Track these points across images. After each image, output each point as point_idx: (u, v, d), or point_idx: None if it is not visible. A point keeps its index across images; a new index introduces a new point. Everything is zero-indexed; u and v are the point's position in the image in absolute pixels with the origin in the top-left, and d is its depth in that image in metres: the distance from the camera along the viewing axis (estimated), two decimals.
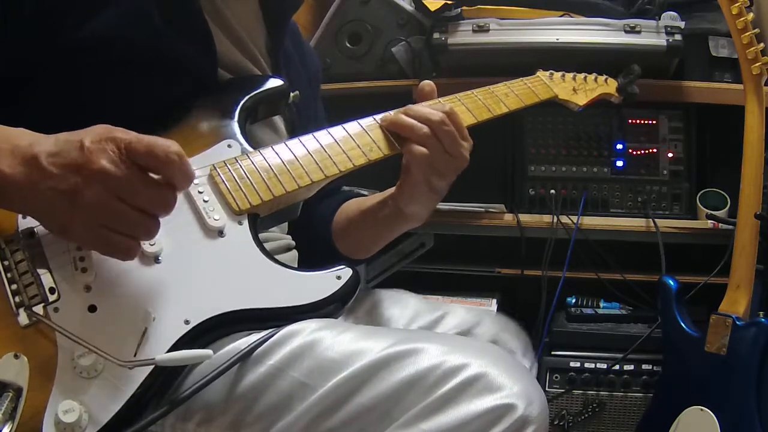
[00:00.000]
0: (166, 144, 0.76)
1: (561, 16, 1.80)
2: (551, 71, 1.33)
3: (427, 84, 1.09)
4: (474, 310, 1.21)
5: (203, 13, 1.01)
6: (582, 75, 1.38)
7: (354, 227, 1.19)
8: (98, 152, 0.74)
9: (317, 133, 1.01)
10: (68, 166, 0.74)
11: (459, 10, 1.77)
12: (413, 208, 1.09)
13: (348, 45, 1.94)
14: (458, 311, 1.19)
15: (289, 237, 1.16)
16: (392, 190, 1.12)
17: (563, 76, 1.34)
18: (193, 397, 0.82)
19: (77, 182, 0.74)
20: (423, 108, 1.04)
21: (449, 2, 1.79)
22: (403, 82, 1.88)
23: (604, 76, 1.43)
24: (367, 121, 1.05)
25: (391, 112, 1.06)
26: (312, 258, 1.15)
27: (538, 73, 1.32)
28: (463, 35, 1.73)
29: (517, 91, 1.22)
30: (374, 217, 1.15)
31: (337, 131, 1.03)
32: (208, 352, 0.80)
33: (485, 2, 1.84)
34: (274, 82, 1.07)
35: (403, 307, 1.18)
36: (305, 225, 1.16)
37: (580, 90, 1.35)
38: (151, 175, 0.77)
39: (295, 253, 1.15)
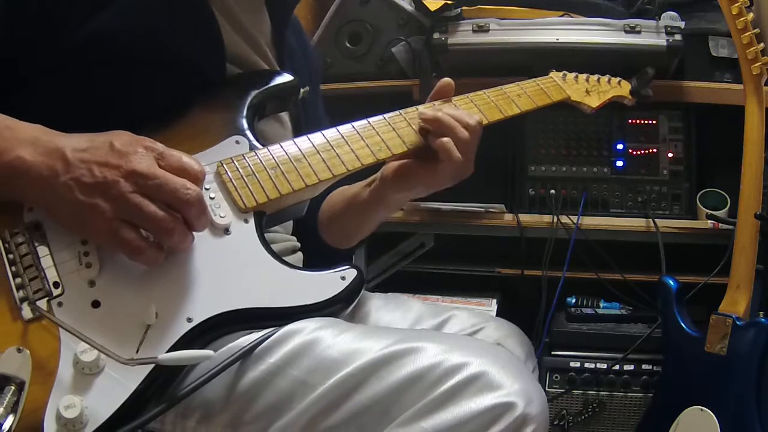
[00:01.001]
0: (194, 162, 0.83)
1: (561, 16, 1.80)
2: (564, 72, 1.33)
3: (447, 83, 1.10)
4: (478, 314, 1.20)
5: (211, 7, 1.00)
6: (595, 77, 1.38)
7: (337, 214, 1.20)
8: (131, 153, 0.79)
9: (326, 131, 1.01)
10: (97, 162, 0.78)
11: (459, 10, 1.77)
12: (401, 197, 1.12)
13: (348, 45, 1.94)
14: (461, 315, 1.18)
15: (295, 239, 1.16)
16: (375, 176, 1.13)
17: (576, 77, 1.34)
18: (193, 395, 0.82)
19: (105, 176, 0.77)
20: (459, 111, 1.05)
21: (449, 2, 1.79)
22: (403, 82, 1.88)
23: (618, 78, 1.42)
24: (377, 120, 1.05)
25: (422, 107, 1.07)
26: (303, 250, 1.16)
27: (551, 74, 1.31)
28: (463, 35, 1.73)
29: (529, 91, 1.21)
30: (355, 203, 1.16)
31: (346, 129, 1.02)
32: (209, 352, 0.80)
33: (485, 2, 1.84)
34: (284, 78, 1.06)
35: (405, 311, 1.18)
36: (298, 219, 1.16)
37: (593, 92, 1.34)
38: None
39: (300, 255, 1.15)
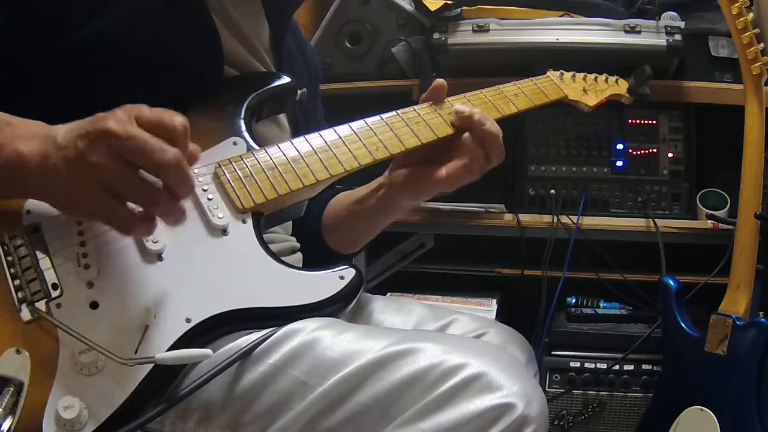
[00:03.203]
0: (172, 114, 0.77)
1: (561, 16, 1.80)
2: (562, 71, 1.32)
3: (441, 84, 1.10)
4: (479, 319, 1.20)
5: (209, 11, 1.01)
6: (593, 75, 1.37)
7: (343, 220, 1.20)
8: (106, 118, 0.75)
9: (323, 132, 1.01)
10: (79, 135, 0.76)
11: (459, 10, 1.77)
12: (412, 202, 1.11)
13: (348, 45, 1.94)
14: (463, 320, 1.17)
15: (294, 239, 1.16)
16: (380, 180, 1.13)
17: (573, 76, 1.33)
18: (192, 396, 0.82)
19: (84, 146, 0.75)
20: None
21: (449, 2, 1.79)
22: (403, 82, 1.88)
23: (615, 77, 1.42)
24: (374, 120, 1.04)
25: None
26: (304, 253, 1.16)
27: (548, 73, 1.30)
28: (463, 35, 1.74)
29: (526, 91, 1.20)
30: (362, 208, 1.16)
31: (344, 130, 1.02)
32: (207, 351, 0.80)
33: (485, 2, 1.84)
34: (282, 80, 1.06)
35: (407, 314, 1.18)
36: (298, 221, 1.16)
37: (590, 90, 1.34)
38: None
39: (299, 255, 1.15)
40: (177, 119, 0.77)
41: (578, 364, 1.64)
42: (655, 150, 1.79)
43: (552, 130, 1.82)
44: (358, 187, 1.19)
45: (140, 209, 0.78)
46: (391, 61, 1.90)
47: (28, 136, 0.78)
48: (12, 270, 0.80)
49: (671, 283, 1.46)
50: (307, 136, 1.00)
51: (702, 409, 1.35)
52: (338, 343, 0.86)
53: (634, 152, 1.80)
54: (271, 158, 0.95)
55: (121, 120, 0.75)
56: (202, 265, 0.86)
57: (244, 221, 0.91)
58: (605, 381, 1.63)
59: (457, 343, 0.89)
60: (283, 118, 1.14)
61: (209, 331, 0.84)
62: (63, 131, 0.78)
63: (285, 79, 1.06)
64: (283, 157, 0.96)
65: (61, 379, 0.76)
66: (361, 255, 1.82)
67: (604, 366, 1.63)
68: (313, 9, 2.04)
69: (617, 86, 1.41)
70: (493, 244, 1.86)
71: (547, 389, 1.63)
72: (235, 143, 0.96)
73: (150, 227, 0.80)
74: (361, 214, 1.17)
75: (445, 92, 1.10)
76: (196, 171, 0.90)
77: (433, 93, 1.10)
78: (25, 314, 0.78)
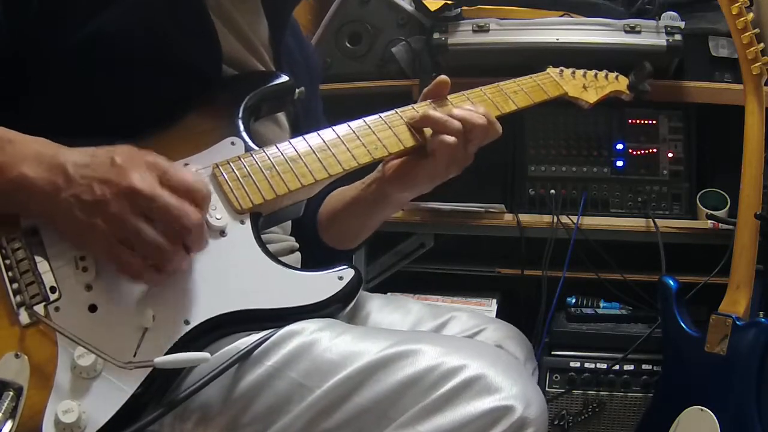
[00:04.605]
0: (200, 184, 0.81)
1: (561, 16, 1.80)
2: (561, 68, 1.32)
3: (444, 81, 1.10)
4: (478, 316, 1.20)
5: (208, 11, 1.00)
6: (593, 72, 1.37)
7: (338, 215, 1.20)
8: (130, 170, 0.77)
9: (322, 131, 1.01)
10: (98, 178, 0.77)
11: (459, 10, 1.77)
12: (405, 195, 1.12)
13: (348, 45, 1.94)
14: (462, 317, 1.17)
15: (293, 239, 1.16)
16: (374, 176, 1.14)
17: (573, 73, 1.33)
18: (191, 397, 0.82)
19: (104, 194, 0.76)
20: (460, 109, 1.05)
21: (449, 2, 1.79)
22: (403, 82, 1.88)
23: (615, 74, 1.42)
24: (373, 119, 1.04)
25: (417, 107, 1.07)
26: (303, 252, 1.16)
27: (548, 70, 1.30)
28: (463, 35, 1.74)
29: (526, 88, 1.20)
30: (356, 204, 1.17)
31: (342, 129, 1.02)
32: (206, 355, 0.80)
33: (485, 2, 1.84)
34: (280, 78, 1.06)
35: (405, 312, 1.18)
36: (296, 220, 1.17)
37: (590, 87, 1.34)
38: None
39: (298, 255, 1.15)
40: (203, 189, 0.81)
41: (578, 364, 1.64)
42: (655, 150, 1.79)
43: (552, 130, 1.82)
44: (354, 183, 1.20)
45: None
46: (391, 61, 1.90)
47: (32, 157, 0.78)
48: (10, 273, 0.80)
49: (671, 283, 1.46)
50: (305, 136, 0.99)
51: (702, 409, 1.35)
52: (337, 344, 0.86)
53: (634, 152, 1.80)
54: (269, 158, 0.95)
55: (146, 178, 0.78)
56: (200, 267, 0.86)
57: (242, 222, 0.91)
58: (605, 381, 1.63)
59: (455, 345, 0.89)
60: (282, 117, 1.14)
61: (208, 333, 0.84)
62: (73, 162, 0.78)
63: (283, 78, 1.06)
64: (282, 157, 0.96)
65: (60, 382, 0.76)
66: (361, 255, 1.82)
67: (604, 366, 1.63)
68: (313, 9, 2.04)
69: (617, 83, 1.41)
70: (493, 244, 1.86)
71: (547, 389, 1.63)
72: (233, 143, 0.96)
73: (161, 280, 0.82)
74: (355, 208, 1.18)
75: (447, 88, 1.10)
76: (193, 171, 0.90)
77: (436, 89, 1.10)
78: (24, 318, 0.78)
